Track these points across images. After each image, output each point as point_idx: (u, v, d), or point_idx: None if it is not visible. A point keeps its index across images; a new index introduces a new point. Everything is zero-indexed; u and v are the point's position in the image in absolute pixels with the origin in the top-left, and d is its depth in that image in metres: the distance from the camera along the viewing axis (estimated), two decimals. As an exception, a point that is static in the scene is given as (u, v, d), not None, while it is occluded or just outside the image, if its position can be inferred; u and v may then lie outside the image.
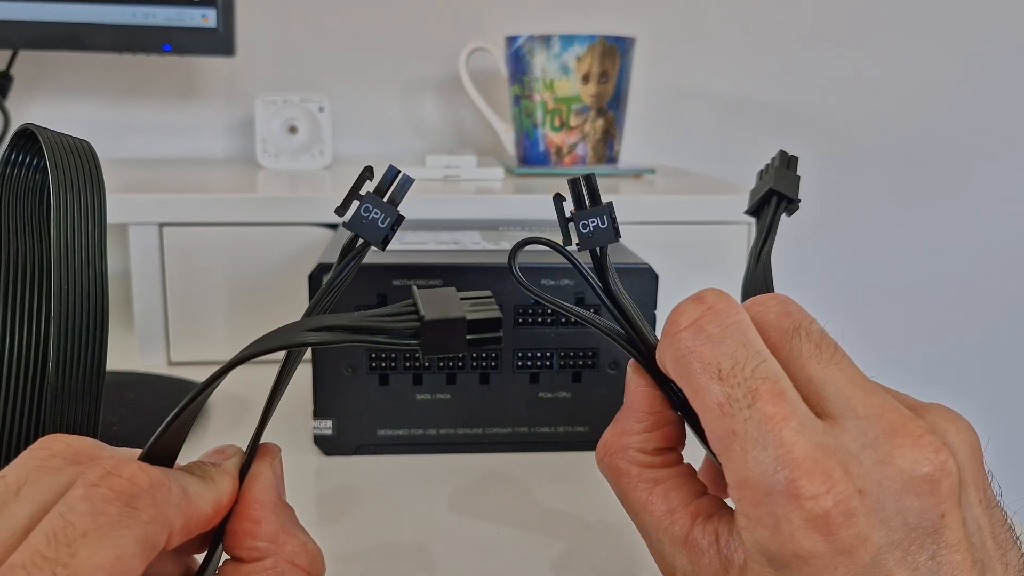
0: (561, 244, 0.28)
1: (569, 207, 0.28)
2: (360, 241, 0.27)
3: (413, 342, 0.24)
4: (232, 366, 0.23)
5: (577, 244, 0.28)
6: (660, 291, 0.45)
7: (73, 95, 0.90)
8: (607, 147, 0.79)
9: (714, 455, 0.25)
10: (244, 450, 0.27)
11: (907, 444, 0.23)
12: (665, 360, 0.26)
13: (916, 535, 0.22)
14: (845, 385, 0.24)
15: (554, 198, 0.29)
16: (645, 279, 0.45)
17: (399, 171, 0.28)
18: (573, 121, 0.77)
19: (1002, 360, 1.07)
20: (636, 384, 0.28)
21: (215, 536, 0.25)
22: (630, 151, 0.95)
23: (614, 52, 0.75)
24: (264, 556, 0.24)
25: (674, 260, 0.60)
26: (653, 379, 0.28)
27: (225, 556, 0.25)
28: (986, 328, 1.06)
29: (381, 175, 0.28)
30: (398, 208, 0.27)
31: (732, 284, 0.62)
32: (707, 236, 0.63)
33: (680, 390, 0.27)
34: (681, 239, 0.62)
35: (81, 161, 0.27)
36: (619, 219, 0.28)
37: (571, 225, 0.28)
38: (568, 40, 0.75)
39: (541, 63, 0.76)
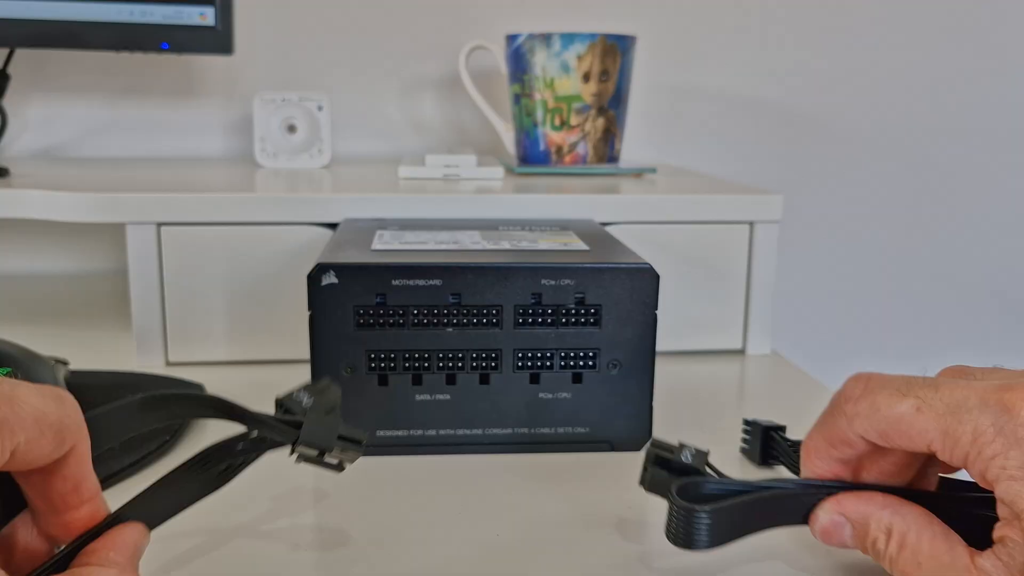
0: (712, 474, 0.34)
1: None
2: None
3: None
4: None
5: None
6: (660, 291, 0.45)
7: (71, 94, 0.89)
8: (608, 146, 0.78)
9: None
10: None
11: None
12: (855, 427, 0.31)
13: None
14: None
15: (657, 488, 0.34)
16: (645, 279, 0.45)
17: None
18: (574, 120, 0.76)
19: (1002, 360, 1.06)
20: (813, 469, 0.34)
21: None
22: (631, 150, 0.95)
23: (615, 51, 0.75)
24: None
25: (674, 260, 0.60)
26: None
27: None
28: (986, 328, 1.06)
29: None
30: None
31: (732, 283, 0.62)
32: (707, 236, 0.62)
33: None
34: (681, 239, 0.62)
35: None
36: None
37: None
38: (569, 38, 0.74)
39: (541, 61, 0.75)
